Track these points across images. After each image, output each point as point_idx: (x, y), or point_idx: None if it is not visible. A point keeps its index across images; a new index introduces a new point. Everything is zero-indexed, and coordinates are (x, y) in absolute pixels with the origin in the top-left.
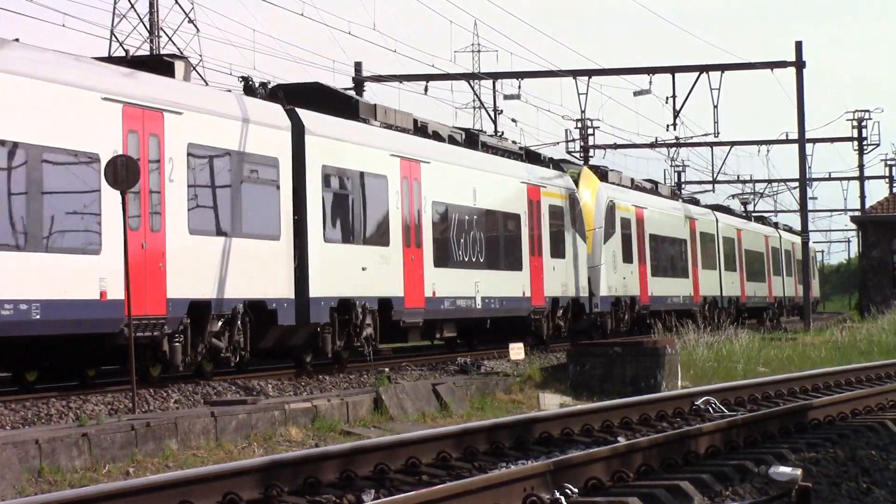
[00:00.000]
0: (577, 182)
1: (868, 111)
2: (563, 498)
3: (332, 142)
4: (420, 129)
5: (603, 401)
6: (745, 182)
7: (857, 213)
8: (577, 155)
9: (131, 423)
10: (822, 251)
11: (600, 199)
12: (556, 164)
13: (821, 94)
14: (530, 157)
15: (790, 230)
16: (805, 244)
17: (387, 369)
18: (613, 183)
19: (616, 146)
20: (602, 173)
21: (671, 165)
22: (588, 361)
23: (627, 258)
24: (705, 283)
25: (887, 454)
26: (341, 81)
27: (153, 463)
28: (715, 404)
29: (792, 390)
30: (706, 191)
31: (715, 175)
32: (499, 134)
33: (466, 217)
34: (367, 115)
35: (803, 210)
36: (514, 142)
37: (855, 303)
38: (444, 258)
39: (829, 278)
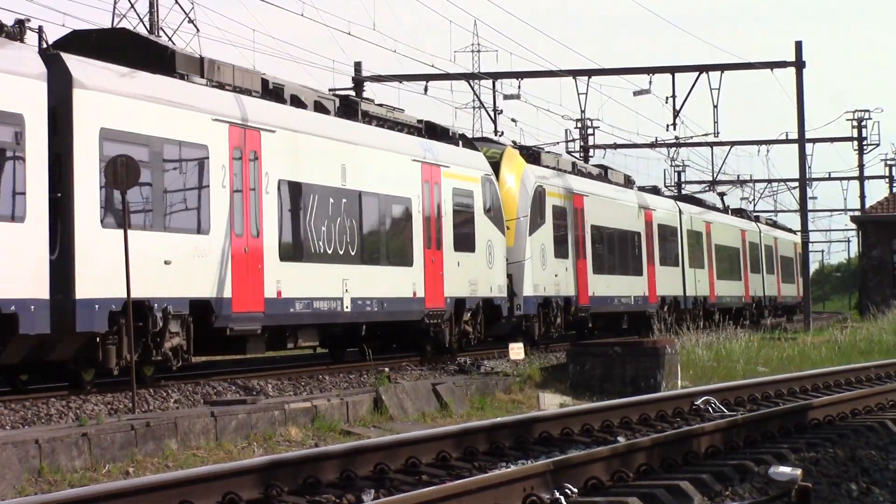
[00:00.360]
0: (498, 164)
1: (868, 111)
2: (562, 498)
3: (119, 99)
4: (271, 92)
5: (603, 401)
6: (744, 182)
7: (857, 213)
8: (578, 155)
9: (131, 423)
10: (822, 251)
11: (526, 184)
12: (469, 142)
13: (821, 94)
14: (432, 132)
15: (774, 224)
16: (805, 244)
17: (387, 369)
18: (547, 166)
19: (616, 146)
20: (533, 154)
21: (671, 165)
22: (588, 361)
23: (561, 253)
24: (664, 282)
25: (887, 454)
26: (341, 81)
27: (153, 463)
28: (715, 404)
29: (792, 390)
30: (706, 190)
31: (715, 175)
32: (499, 134)
33: (332, 200)
34: (187, 69)
35: (803, 210)
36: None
37: (855, 303)
38: (295, 250)
39: (829, 278)
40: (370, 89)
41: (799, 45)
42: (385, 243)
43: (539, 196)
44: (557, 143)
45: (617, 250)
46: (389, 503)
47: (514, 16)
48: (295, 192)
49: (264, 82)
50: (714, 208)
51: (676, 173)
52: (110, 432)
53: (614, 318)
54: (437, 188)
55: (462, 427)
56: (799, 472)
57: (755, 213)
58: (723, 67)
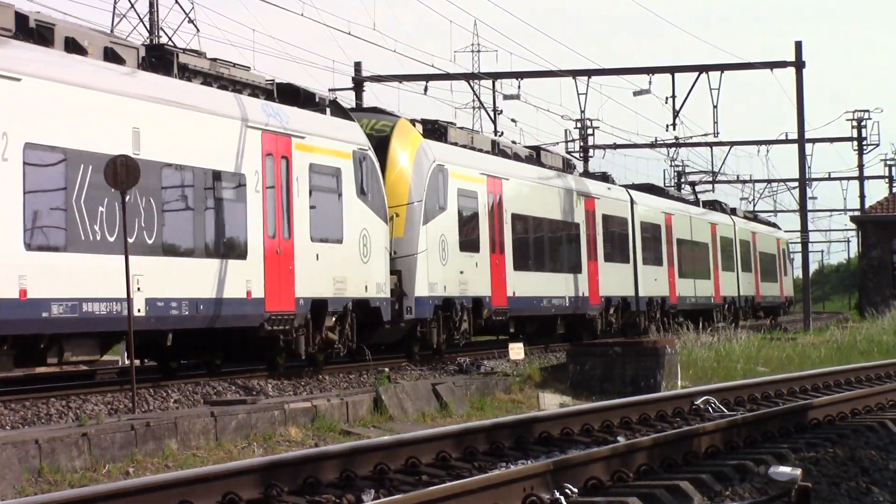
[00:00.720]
0: (388, 138)
1: (868, 111)
2: (562, 498)
3: None
4: (32, 32)
5: (603, 401)
6: (744, 182)
7: (856, 213)
8: (577, 155)
9: (131, 422)
10: (822, 251)
11: (421, 163)
12: (341, 111)
13: (821, 94)
14: (291, 96)
15: (755, 218)
16: (805, 244)
17: (387, 369)
18: (455, 143)
19: (616, 146)
20: (437, 129)
21: (671, 166)
22: (588, 361)
23: (470, 245)
24: (610, 280)
25: (887, 454)
26: (341, 81)
27: (153, 463)
28: (715, 404)
29: (792, 390)
30: (706, 191)
31: (715, 175)
32: (499, 134)
33: None
34: None
35: (803, 210)
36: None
37: (855, 303)
38: (52, 237)
39: (829, 278)
40: (370, 89)
41: (799, 45)
42: (202, 230)
43: (439, 177)
44: (557, 143)
45: (547, 243)
46: (389, 503)
47: (515, 16)
48: (52, 161)
49: (20, 17)
50: (679, 199)
51: (676, 174)
52: (110, 432)
53: (546, 322)
54: (286, 163)
55: (462, 427)
56: (799, 472)
57: (732, 206)
58: (723, 67)
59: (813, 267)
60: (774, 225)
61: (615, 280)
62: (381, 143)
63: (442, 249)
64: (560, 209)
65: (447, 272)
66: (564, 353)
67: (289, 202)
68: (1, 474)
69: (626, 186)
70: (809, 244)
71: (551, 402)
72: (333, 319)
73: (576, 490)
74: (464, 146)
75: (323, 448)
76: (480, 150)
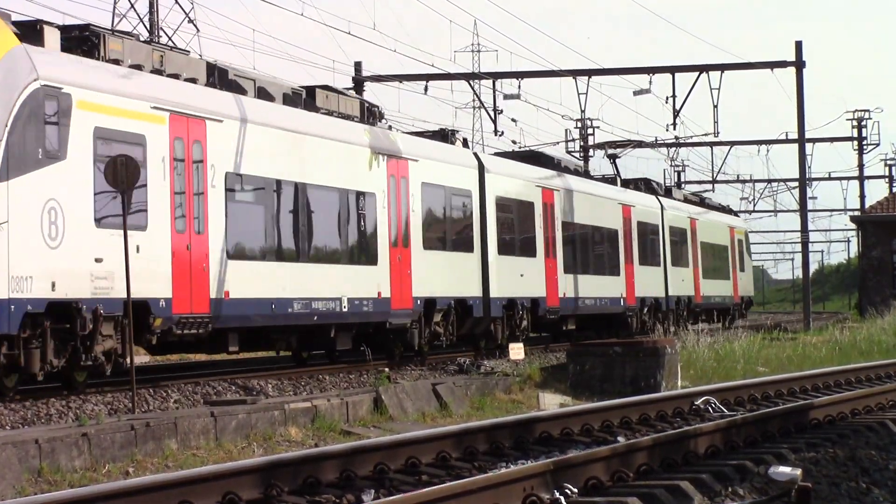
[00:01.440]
0: None
1: (868, 111)
2: (562, 498)
3: None
4: None
5: (603, 401)
6: (744, 182)
7: (856, 213)
8: (577, 155)
9: (131, 422)
10: (822, 251)
11: (10, 82)
12: None
13: (821, 94)
14: None
15: (700, 202)
16: (805, 244)
17: (387, 369)
18: (115, 60)
19: (616, 146)
20: (85, 39)
21: (671, 165)
22: (588, 361)
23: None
24: (435, 276)
25: (887, 454)
26: (341, 81)
27: (153, 463)
28: (715, 404)
29: (792, 390)
30: (706, 190)
31: (715, 175)
32: (499, 134)
33: None
34: None
35: (803, 210)
36: None
37: (855, 303)
38: None
39: (829, 278)
40: (370, 89)
41: (799, 45)
42: None
43: (47, 106)
44: (557, 142)
45: (307, 222)
46: (389, 503)
47: (515, 16)
48: None
49: None
50: (578, 172)
51: (676, 173)
52: (110, 432)
53: (312, 333)
54: None
55: (462, 427)
56: (799, 472)
57: (668, 185)
58: (723, 67)
59: (813, 267)
60: (729, 210)
61: (446, 276)
62: None
63: (51, 223)
64: (337, 173)
65: (63, 260)
66: (564, 354)
67: None
68: (1, 474)
69: (503, 154)
70: (809, 244)
71: (551, 402)
72: None
73: (576, 490)
74: (136, 66)
75: (323, 448)
76: (176, 77)
